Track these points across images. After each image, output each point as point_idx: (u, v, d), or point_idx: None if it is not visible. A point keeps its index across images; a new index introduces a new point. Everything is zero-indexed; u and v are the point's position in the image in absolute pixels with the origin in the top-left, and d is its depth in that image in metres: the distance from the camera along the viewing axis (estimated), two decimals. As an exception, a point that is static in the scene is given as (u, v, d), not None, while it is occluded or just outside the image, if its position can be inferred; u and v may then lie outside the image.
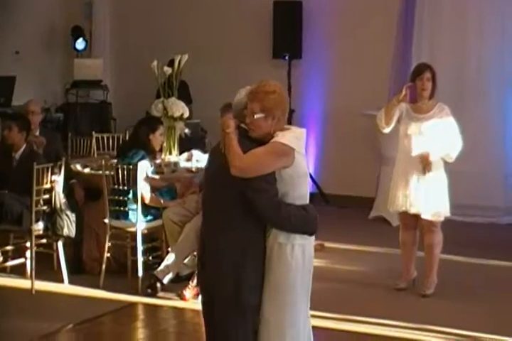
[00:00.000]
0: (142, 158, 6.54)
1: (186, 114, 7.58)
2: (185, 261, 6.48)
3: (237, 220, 3.76)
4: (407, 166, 6.31)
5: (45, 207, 6.45)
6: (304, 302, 3.87)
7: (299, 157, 3.77)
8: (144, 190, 6.48)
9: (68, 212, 6.50)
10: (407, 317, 5.87)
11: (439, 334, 5.59)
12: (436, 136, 6.23)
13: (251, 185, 3.69)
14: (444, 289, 6.43)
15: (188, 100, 9.62)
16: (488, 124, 9.02)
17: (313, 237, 3.87)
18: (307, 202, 3.84)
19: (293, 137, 3.76)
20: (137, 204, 6.47)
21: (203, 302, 3.94)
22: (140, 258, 6.49)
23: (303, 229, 3.78)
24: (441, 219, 6.34)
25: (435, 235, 6.35)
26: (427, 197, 6.24)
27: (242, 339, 3.80)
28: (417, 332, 5.64)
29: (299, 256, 3.77)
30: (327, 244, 7.59)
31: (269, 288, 3.77)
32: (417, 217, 6.35)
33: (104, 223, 6.62)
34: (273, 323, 3.77)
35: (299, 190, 3.80)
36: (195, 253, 6.40)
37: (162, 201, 6.66)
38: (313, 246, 3.91)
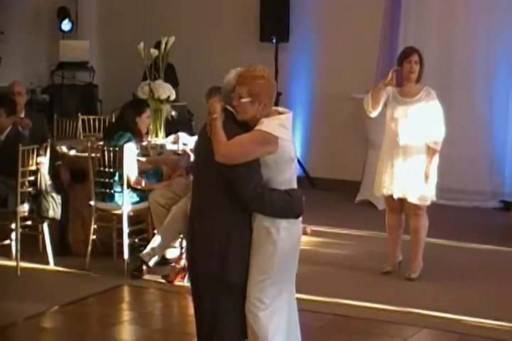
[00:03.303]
0: (128, 141, 6.52)
1: (173, 97, 7.55)
2: (171, 243, 6.48)
3: (223, 203, 3.79)
4: (393, 150, 6.31)
5: (30, 189, 6.42)
6: (289, 283, 3.91)
7: (284, 143, 3.78)
8: (131, 172, 6.46)
9: (54, 194, 6.47)
10: (392, 300, 5.90)
11: (424, 317, 5.62)
12: (423, 119, 6.24)
13: (235, 172, 3.71)
14: (429, 273, 6.46)
15: (174, 83, 9.57)
16: (475, 109, 9.03)
17: (299, 219, 3.89)
18: (293, 186, 3.86)
19: (277, 125, 3.77)
20: (123, 187, 6.45)
21: (191, 281, 4.00)
22: (126, 241, 6.48)
23: (288, 214, 3.82)
24: (428, 203, 6.35)
25: (421, 219, 6.37)
26: (413, 181, 6.25)
27: (227, 318, 3.84)
28: (401, 315, 5.66)
29: (285, 239, 3.80)
30: (313, 228, 7.60)
31: (254, 269, 3.81)
32: (402, 200, 6.36)
33: (90, 205, 6.60)
34: (258, 303, 3.79)
35: (284, 175, 3.82)
36: (181, 235, 6.42)
37: (148, 183, 6.64)
38: (300, 227, 3.93)
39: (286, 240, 3.81)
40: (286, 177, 3.83)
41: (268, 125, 3.74)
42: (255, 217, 3.81)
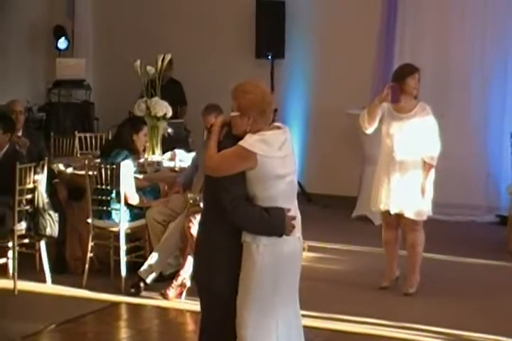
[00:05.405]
0: (125, 158, 6.53)
1: (169, 114, 7.58)
2: (169, 260, 6.49)
3: (214, 216, 3.84)
4: (389, 166, 6.33)
5: (27, 207, 6.42)
6: (277, 300, 3.86)
7: (265, 160, 3.75)
8: (128, 189, 6.47)
9: (51, 212, 6.47)
10: (390, 315, 5.90)
11: (421, 333, 5.62)
12: (418, 135, 6.26)
13: (220, 184, 3.77)
14: (426, 288, 6.46)
15: (182, 101, 9.62)
16: (470, 123, 9.06)
17: (288, 238, 3.85)
18: (278, 204, 3.82)
19: (258, 141, 3.76)
20: (120, 204, 6.46)
21: None
22: (123, 258, 6.48)
23: (264, 231, 3.81)
24: (424, 218, 6.37)
25: (417, 234, 6.38)
26: (409, 197, 6.27)
27: (218, 328, 3.90)
28: (399, 330, 5.66)
29: (265, 255, 3.79)
30: (310, 243, 7.59)
31: (240, 283, 3.83)
32: (399, 216, 6.37)
33: (87, 223, 6.61)
34: (245, 318, 3.80)
35: (267, 192, 3.80)
36: (178, 252, 6.42)
37: (145, 201, 6.66)
38: (289, 246, 3.87)
39: (266, 256, 3.80)
40: (270, 194, 3.81)
41: (247, 140, 3.77)
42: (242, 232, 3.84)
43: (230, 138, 3.83)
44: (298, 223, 3.93)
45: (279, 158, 3.81)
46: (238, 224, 3.79)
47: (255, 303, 3.81)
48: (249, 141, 3.76)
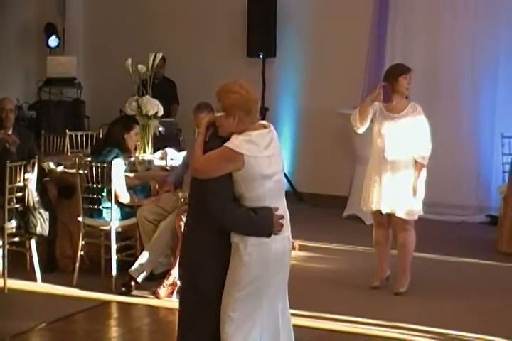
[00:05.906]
0: (116, 157, 6.52)
1: (161, 112, 7.57)
2: (160, 259, 6.48)
3: (202, 214, 3.81)
4: (381, 165, 6.34)
5: (18, 205, 6.40)
6: (264, 299, 3.87)
7: (252, 160, 3.76)
8: (119, 188, 6.46)
9: (41, 210, 6.46)
10: (380, 315, 5.91)
11: (412, 332, 5.63)
12: (409, 134, 6.27)
13: (206, 186, 3.76)
14: (417, 287, 6.47)
15: (174, 100, 9.61)
16: (461, 123, 9.08)
17: (277, 237, 3.85)
18: (266, 204, 3.82)
19: (244, 141, 3.76)
20: (111, 203, 6.44)
21: None
22: (114, 257, 6.47)
23: (253, 232, 3.80)
24: (415, 217, 6.38)
25: (408, 234, 6.39)
26: (400, 196, 6.28)
27: (196, 326, 3.88)
28: (390, 329, 5.68)
29: (252, 254, 3.80)
30: (300, 242, 7.60)
31: (226, 283, 3.83)
32: (390, 215, 6.38)
33: (78, 221, 6.59)
34: (230, 316, 3.81)
35: (254, 192, 3.80)
36: (169, 251, 6.42)
37: (136, 199, 6.65)
38: (278, 246, 3.88)
39: (254, 256, 3.80)
40: (257, 194, 3.81)
41: (233, 141, 3.76)
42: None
43: (216, 138, 3.83)
44: (286, 222, 3.93)
45: (265, 158, 3.81)
46: (226, 226, 3.78)
47: (241, 302, 3.81)
48: (235, 142, 3.76)
